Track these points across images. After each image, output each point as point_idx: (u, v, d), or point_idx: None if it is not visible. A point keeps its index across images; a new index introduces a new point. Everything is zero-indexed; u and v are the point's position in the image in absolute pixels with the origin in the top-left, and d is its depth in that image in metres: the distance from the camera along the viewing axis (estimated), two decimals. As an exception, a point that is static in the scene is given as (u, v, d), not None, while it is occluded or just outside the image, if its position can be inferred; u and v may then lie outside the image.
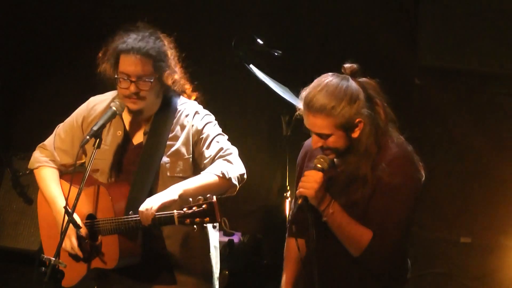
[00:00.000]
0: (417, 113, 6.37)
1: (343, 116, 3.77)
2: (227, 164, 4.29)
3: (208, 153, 4.33)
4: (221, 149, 4.33)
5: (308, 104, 3.80)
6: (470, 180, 6.32)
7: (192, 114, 4.40)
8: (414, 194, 3.88)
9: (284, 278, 4.16)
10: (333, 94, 3.78)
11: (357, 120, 3.80)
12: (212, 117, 4.44)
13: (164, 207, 4.13)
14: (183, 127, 4.40)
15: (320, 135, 3.81)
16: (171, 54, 4.35)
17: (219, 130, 4.41)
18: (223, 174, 4.23)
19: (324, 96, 3.78)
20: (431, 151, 6.22)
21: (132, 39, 4.26)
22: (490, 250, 6.15)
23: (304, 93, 3.85)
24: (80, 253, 4.32)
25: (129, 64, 4.25)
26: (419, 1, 6.39)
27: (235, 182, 4.28)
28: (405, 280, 4.07)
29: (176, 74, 4.38)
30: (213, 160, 4.31)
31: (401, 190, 3.84)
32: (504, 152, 6.23)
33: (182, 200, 4.17)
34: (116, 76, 4.29)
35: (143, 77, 4.25)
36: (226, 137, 4.41)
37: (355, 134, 3.82)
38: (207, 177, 4.23)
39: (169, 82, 4.35)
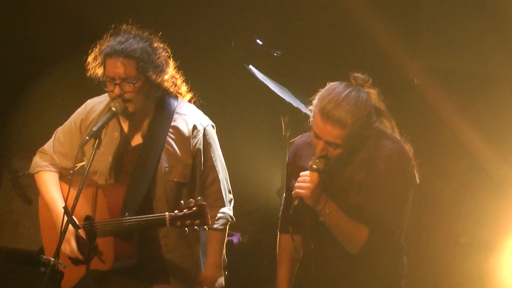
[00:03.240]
0: (417, 113, 6.36)
1: (360, 130, 3.80)
2: (228, 211, 4.52)
3: (205, 186, 4.48)
4: (219, 190, 4.48)
5: (328, 113, 3.78)
6: (470, 180, 6.31)
7: (192, 123, 4.43)
8: (410, 191, 3.90)
9: (279, 275, 4.18)
10: (355, 108, 3.79)
11: (367, 133, 3.82)
12: (211, 130, 4.48)
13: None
14: (181, 133, 4.41)
15: (330, 144, 3.81)
16: (158, 53, 4.36)
17: (218, 150, 4.49)
18: (231, 220, 4.53)
19: (347, 107, 3.78)
20: (431, 151, 6.21)
21: (115, 42, 4.31)
22: (490, 250, 6.14)
23: (321, 98, 3.84)
24: (80, 256, 4.33)
25: (112, 67, 4.28)
26: (419, 1, 6.39)
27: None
28: (402, 275, 4.08)
29: (165, 74, 4.38)
30: (209, 195, 4.47)
31: (397, 185, 3.87)
32: (504, 152, 6.22)
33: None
34: (102, 80, 4.33)
35: (127, 79, 4.28)
36: (222, 159, 4.52)
37: (359, 148, 3.84)
38: (223, 233, 4.51)
39: (158, 81, 4.35)
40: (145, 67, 4.30)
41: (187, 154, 4.40)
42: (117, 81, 4.29)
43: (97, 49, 4.37)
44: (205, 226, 4.18)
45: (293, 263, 4.17)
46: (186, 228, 4.17)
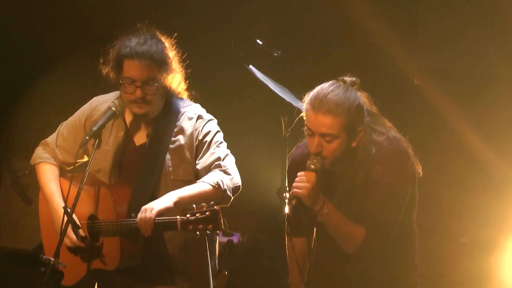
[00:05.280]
0: (417, 113, 6.37)
1: (351, 120, 3.82)
2: (223, 175, 4.32)
3: (205, 162, 4.35)
4: (218, 158, 4.35)
5: (319, 104, 3.83)
6: (470, 180, 6.31)
7: (195, 118, 4.41)
8: (407, 190, 3.91)
9: (291, 278, 4.18)
10: (345, 97, 3.84)
11: (360, 128, 3.84)
12: (214, 123, 4.45)
13: (159, 215, 4.15)
14: (186, 131, 4.40)
15: (324, 136, 3.82)
16: (173, 56, 4.36)
17: (220, 137, 4.43)
18: (218, 184, 4.26)
19: (336, 97, 3.83)
20: (431, 151, 6.21)
21: (134, 43, 4.26)
22: (490, 250, 6.15)
23: (310, 96, 3.89)
24: (81, 244, 4.29)
25: (134, 70, 4.25)
26: (419, 2, 6.39)
27: (229, 193, 4.32)
28: (412, 278, 4.08)
29: (179, 76, 4.39)
30: (209, 169, 4.33)
31: (394, 187, 3.88)
32: (504, 152, 6.23)
33: (177, 207, 4.19)
34: (121, 82, 4.29)
35: (149, 81, 4.26)
36: (225, 144, 4.42)
37: (354, 144, 3.85)
38: (203, 186, 4.26)
39: (172, 84, 4.36)
40: (166, 69, 4.29)
41: (191, 151, 4.39)
42: (138, 84, 4.25)
43: (113, 49, 4.32)
44: (218, 231, 4.15)
45: (304, 263, 4.16)
46: (198, 232, 4.12)
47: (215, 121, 4.47)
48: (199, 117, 4.42)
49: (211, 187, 4.26)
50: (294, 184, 3.87)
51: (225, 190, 4.28)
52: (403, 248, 4.05)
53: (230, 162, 4.37)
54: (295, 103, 5.50)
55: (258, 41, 5.88)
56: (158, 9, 6.55)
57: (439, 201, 6.30)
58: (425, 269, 6.19)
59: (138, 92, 4.27)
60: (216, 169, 4.32)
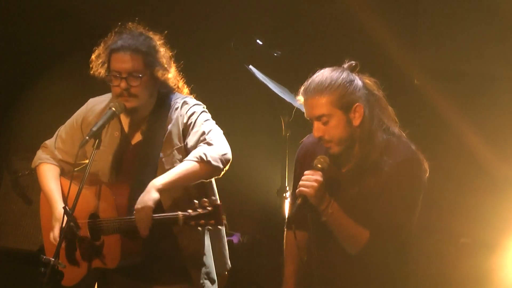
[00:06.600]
0: (417, 113, 6.36)
1: (339, 94, 3.82)
2: (206, 147, 4.26)
3: (191, 140, 4.33)
4: (203, 133, 4.31)
5: (305, 91, 3.88)
6: (470, 180, 6.31)
7: (181, 104, 4.41)
8: (419, 197, 3.90)
9: (287, 271, 4.17)
10: (328, 75, 3.87)
11: (356, 104, 3.82)
12: (200, 107, 4.43)
13: (153, 211, 4.14)
14: (173, 119, 4.39)
15: (320, 118, 3.82)
16: (163, 52, 4.37)
17: (206, 116, 4.39)
18: (200, 158, 4.21)
19: (322, 78, 3.87)
20: (431, 151, 6.20)
21: (122, 39, 4.31)
22: (491, 250, 6.14)
23: (301, 87, 3.91)
24: (56, 240, 4.27)
25: (119, 61, 4.28)
26: (419, 1, 6.39)
27: (216, 163, 4.24)
28: (407, 275, 4.07)
29: (169, 72, 4.39)
30: (195, 146, 4.30)
31: (407, 193, 3.86)
32: (504, 152, 6.22)
33: (165, 193, 4.18)
34: (107, 75, 4.31)
35: (134, 73, 4.28)
36: (212, 122, 4.38)
37: (356, 121, 3.84)
38: (186, 164, 4.22)
39: (162, 78, 4.36)
40: (152, 62, 4.31)
41: (179, 136, 4.38)
42: (124, 75, 4.28)
43: (101, 47, 4.38)
44: (219, 227, 4.15)
45: (300, 260, 4.15)
46: (199, 228, 4.12)
47: (202, 105, 4.44)
48: (184, 103, 4.42)
49: (194, 163, 4.21)
50: (300, 183, 3.86)
51: (209, 161, 4.21)
52: (404, 251, 4.04)
53: (214, 134, 4.31)
54: (295, 103, 5.50)
55: (258, 41, 5.88)
56: (159, 9, 6.55)
57: (439, 201, 6.29)
58: (425, 269, 6.21)
59: (123, 84, 4.28)
60: (200, 144, 4.30)
